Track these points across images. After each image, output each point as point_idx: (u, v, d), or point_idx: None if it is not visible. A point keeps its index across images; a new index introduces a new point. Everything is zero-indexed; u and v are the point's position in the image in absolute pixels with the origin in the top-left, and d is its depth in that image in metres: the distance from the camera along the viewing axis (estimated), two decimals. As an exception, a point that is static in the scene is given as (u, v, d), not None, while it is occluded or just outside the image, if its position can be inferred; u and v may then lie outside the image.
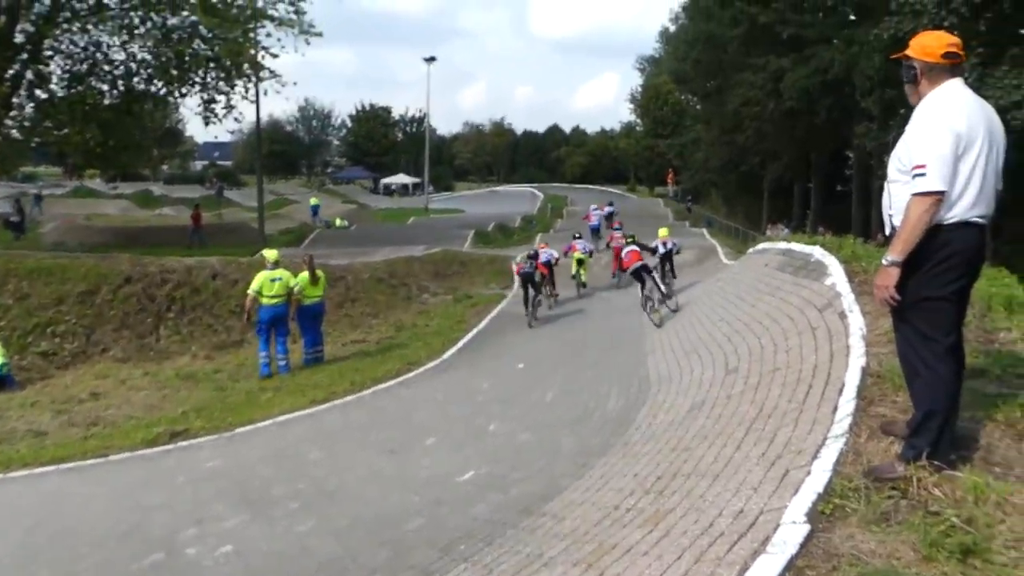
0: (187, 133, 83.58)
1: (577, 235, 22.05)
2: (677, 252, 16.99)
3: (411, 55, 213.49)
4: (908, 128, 3.19)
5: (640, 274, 12.85)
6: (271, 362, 11.94)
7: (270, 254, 12.43)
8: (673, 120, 68.78)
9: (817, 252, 8.10)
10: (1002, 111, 16.38)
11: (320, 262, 13.98)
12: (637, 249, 13.62)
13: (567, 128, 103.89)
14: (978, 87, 17.08)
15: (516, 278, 16.64)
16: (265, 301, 11.81)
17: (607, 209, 33.22)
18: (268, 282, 11.86)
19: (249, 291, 12.01)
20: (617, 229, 23.44)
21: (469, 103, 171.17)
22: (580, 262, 19.44)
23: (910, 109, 3.27)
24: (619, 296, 18.31)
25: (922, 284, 3.10)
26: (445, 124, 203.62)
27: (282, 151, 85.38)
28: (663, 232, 16.69)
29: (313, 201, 44.98)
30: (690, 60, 45.58)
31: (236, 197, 56.25)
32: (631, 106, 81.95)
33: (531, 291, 14.84)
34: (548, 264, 16.77)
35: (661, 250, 16.41)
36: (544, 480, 5.21)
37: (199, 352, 14.17)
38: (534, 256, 15.50)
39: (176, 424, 8.84)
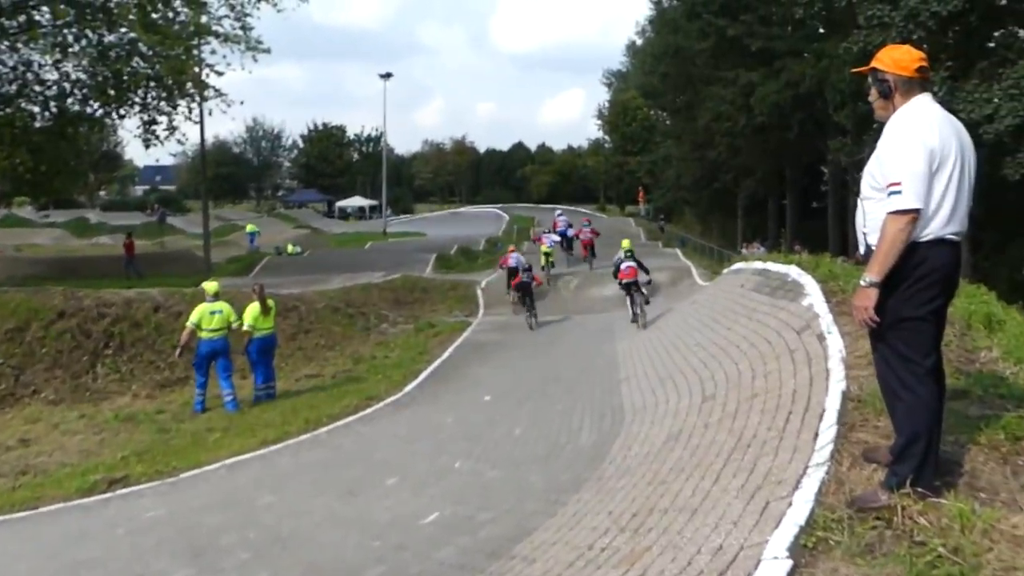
0: (126, 157, 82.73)
1: (547, 230, 29.20)
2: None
3: (366, 71, 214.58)
4: (880, 144, 3.26)
5: (631, 287, 15.68)
6: (205, 399, 12.03)
7: (210, 286, 12.54)
8: (642, 136, 69.87)
9: (793, 272, 8.25)
10: (973, 125, 17.01)
11: (271, 291, 13.85)
12: (635, 266, 16.00)
13: (532, 146, 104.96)
14: (948, 101, 17.66)
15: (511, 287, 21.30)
16: (204, 335, 11.93)
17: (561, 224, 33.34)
18: (207, 315, 11.98)
19: (187, 324, 12.16)
20: (586, 225, 30.36)
21: (428, 121, 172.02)
22: (547, 254, 25.82)
23: (882, 123, 3.35)
24: (591, 320, 18.51)
25: (899, 304, 3.15)
26: (403, 143, 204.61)
27: (229, 174, 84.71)
28: (625, 243, 18.27)
29: (250, 228, 44.75)
30: (658, 74, 46.47)
31: (180, 224, 55.56)
32: (599, 122, 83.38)
33: (528, 300, 18.25)
34: (516, 269, 21.58)
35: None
36: (513, 520, 5.18)
37: (140, 391, 13.87)
38: (529, 269, 19.14)
39: (114, 471, 8.62)
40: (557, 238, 28.97)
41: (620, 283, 16.19)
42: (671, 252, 36.36)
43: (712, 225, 54.65)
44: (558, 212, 35.91)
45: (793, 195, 42.47)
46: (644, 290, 15.73)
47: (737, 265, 12.47)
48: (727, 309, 9.49)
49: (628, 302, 16.01)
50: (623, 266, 16.12)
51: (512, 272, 21.96)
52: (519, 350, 15.09)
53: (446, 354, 15.07)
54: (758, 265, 10.33)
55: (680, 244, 41.97)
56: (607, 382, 9.68)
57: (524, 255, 23.63)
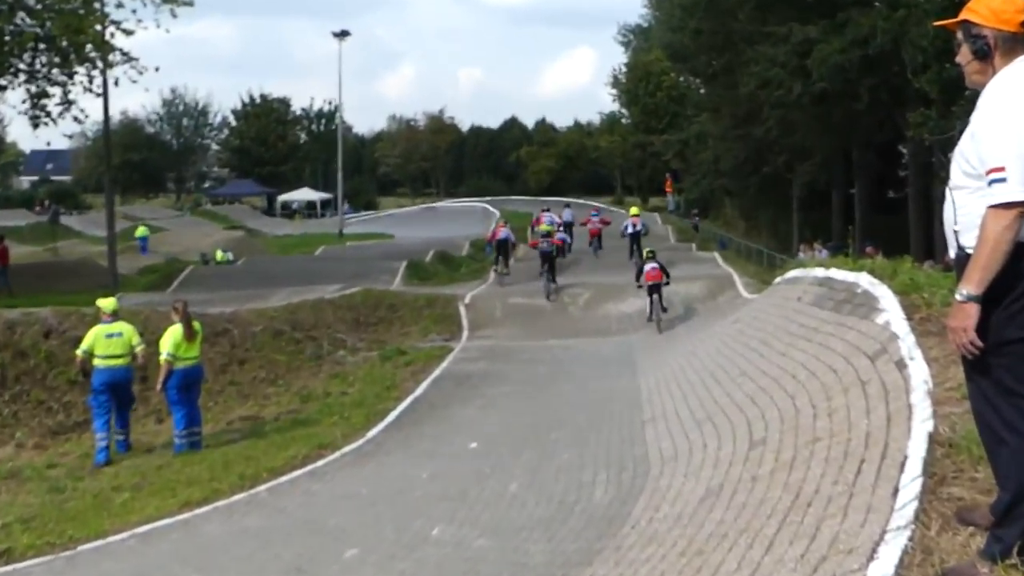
0: (8, 139, 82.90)
1: (545, 208, 36.20)
2: (644, 234, 31.48)
3: (316, 29, 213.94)
4: (975, 118, 3.25)
5: (652, 290, 19.81)
6: (110, 447, 12.18)
7: (106, 303, 12.90)
8: (670, 109, 70.26)
9: (864, 281, 8.27)
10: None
11: (196, 311, 13.85)
12: (658, 268, 20.15)
13: (529, 122, 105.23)
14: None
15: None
16: (100, 362, 12.18)
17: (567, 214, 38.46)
18: (103, 338, 12.27)
19: (78, 351, 12.51)
20: (594, 215, 36.33)
21: (396, 92, 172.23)
22: (547, 234, 28.73)
23: (975, 92, 3.35)
24: (606, 345, 18.55)
25: (1001, 323, 3.13)
26: (364, 120, 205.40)
27: (142, 160, 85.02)
28: (634, 211, 24.16)
29: (140, 232, 45.09)
30: (689, 30, 46.54)
31: (77, 224, 55.62)
32: (614, 92, 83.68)
33: (549, 267, 23.57)
34: (506, 241, 28.44)
35: (630, 230, 30.62)
36: (509, 603, 5.17)
37: (26, 440, 13.84)
38: (549, 235, 24.28)
39: (-7, 543, 8.59)
40: (557, 219, 34.30)
41: (642, 284, 20.20)
42: (708, 256, 36.41)
43: (760, 222, 54.92)
44: (548, 209, 38.37)
45: (863, 183, 42.67)
46: (662, 302, 20.00)
47: (793, 272, 12.53)
48: (780, 329, 9.52)
49: (647, 301, 20.21)
50: (647, 267, 20.29)
51: (501, 244, 28.52)
52: (514, 383, 15.08)
53: (420, 389, 15.06)
54: (819, 272, 10.38)
55: (720, 246, 42.18)
56: (627, 424, 9.71)
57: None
